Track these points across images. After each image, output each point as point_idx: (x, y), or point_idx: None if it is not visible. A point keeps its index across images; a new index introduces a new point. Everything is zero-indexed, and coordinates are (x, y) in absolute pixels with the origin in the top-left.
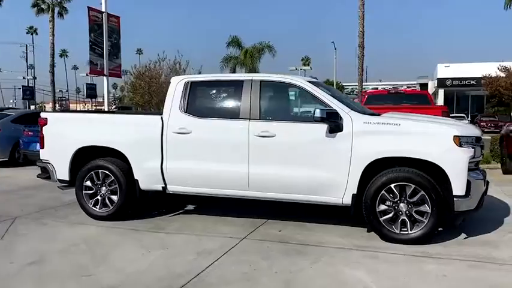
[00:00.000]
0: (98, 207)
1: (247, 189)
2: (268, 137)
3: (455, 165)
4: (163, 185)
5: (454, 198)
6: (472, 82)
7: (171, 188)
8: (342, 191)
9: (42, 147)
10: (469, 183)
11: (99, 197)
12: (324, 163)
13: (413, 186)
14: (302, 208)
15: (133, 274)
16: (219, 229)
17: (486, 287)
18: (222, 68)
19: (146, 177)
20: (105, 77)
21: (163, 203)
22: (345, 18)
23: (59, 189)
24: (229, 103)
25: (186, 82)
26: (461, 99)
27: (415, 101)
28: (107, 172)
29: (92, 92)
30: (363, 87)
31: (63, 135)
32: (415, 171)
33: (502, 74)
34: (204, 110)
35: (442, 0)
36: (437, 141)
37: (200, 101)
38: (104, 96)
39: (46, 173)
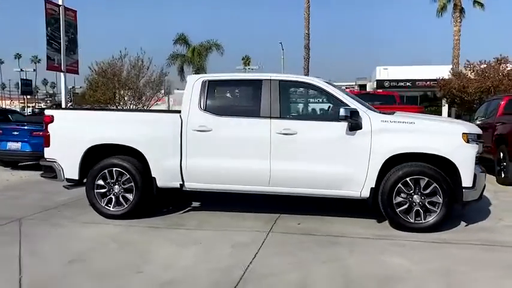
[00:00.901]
0: (111, 205)
1: (267, 185)
2: (290, 134)
3: (464, 159)
4: (181, 182)
5: (463, 190)
6: (407, 84)
7: (189, 185)
8: (360, 185)
9: (47, 145)
10: (475, 176)
11: (112, 196)
12: (344, 159)
13: (426, 179)
14: (308, 202)
15: (185, 269)
16: (239, 224)
17: (506, 266)
18: (168, 65)
19: (164, 175)
20: (62, 73)
21: (165, 201)
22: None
23: (46, 190)
24: (249, 102)
25: (203, 81)
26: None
27: (385, 100)
28: (121, 170)
29: (27, 88)
30: None
31: (73, 133)
32: (428, 166)
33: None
34: (224, 108)
35: (384, 11)
36: (448, 138)
37: (219, 100)
38: (61, 93)
39: (51, 172)
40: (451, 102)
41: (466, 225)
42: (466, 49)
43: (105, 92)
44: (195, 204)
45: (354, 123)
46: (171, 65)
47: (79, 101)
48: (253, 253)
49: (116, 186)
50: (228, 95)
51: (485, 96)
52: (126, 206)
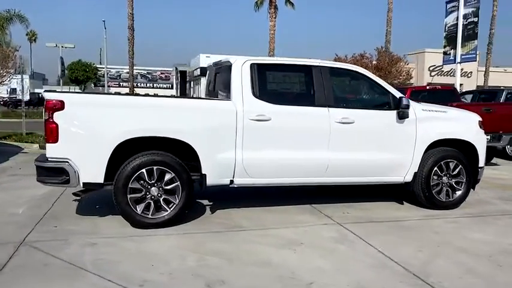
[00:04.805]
0: (149, 212)
1: (323, 176)
2: (348, 123)
3: (481, 143)
4: (232, 178)
5: (479, 169)
6: None
7: (240, 181)
8: (406, 170)
9: (53, 140)
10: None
11: (150, 201)
12: (395, 147)
13: (455, 161)
14: (323, 191)
15: (322, 272)
16: (294, 219)
17: None
18: None
19: (216, 171)
20: None
21: None
22: None
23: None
24: (302, 89)
25: (251, 64)
26: None
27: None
28: (163, 168)
29: None
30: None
31: (98, 123)
32: (455, 150)
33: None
34: (278, 96)
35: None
36: (470, 125)
37: (271, 86)
38: None
39: (60, 175)
40: None
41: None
42: (282, 43)
43: None
44: (205, 202)
45: (406, 111)
46: None
47: None
48: (365, 244)
49: (154, 189)
50: (278, 81)
51: None
52: (169, 211)
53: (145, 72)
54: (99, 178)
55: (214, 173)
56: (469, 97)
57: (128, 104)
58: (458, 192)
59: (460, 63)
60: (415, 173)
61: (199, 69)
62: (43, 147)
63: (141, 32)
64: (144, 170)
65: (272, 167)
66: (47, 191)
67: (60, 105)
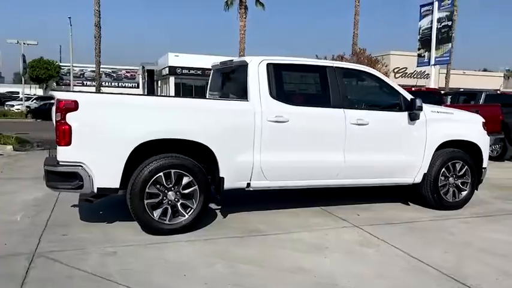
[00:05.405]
0: (166, 218)
1: (338, 178)
2: (362, 125)
3: (485, 144)
4: (249, 181)
5: (483, 170)
6: (198, 72)
7: (257, 184)
8: (416, 171)
9: (66, 143)
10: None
11: (167, 206)
12: (407, 148)
13: (461, 162)
14: (325, 193)
15: (361, 277)
16: (309, 221)
17: None
18: None
19: (234, 174)
20: None
21: None
22: None
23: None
24: (317, 90)
25: (267, 64)
26: (187, 88)
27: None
28: (181, 172)
29: None
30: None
31: (114, 125)
32: (461, 151)
33: None
34: (295, 97)
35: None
36: (475, 126)
37: (287, 87)
38: None
39: (72, 181)
40: None
41: None
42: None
43: None
44: (211, 205)
45: (418, 113)
46: None
47: None
48: (400, 247)
49: (171, 193)
50: (293, 81)
51: None
52: (186, 216)
53: (110, 70)
54: (115, 183)
55: (231, 176)
56: (448, 99)
57: (146, 105)
58: (464, 193)
59: (434, 65)
60: (424, 174)
61: (167, 68)
62: (17, 149)
63: (106, 30)
64: (161, 174)
65: (289, 169)
66: (39, 196)
67: (74, 106)
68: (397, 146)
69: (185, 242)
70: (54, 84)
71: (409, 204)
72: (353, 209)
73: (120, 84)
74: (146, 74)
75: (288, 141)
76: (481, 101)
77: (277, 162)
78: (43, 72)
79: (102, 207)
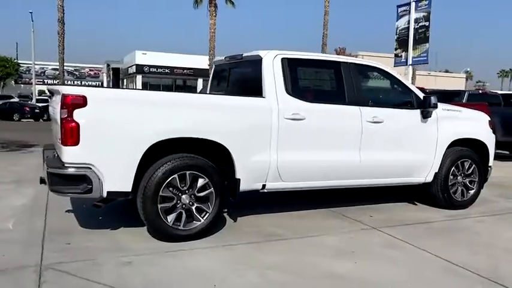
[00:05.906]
0: (180, 223)
1: (354, 178)
2: (378, 122)
3: (491, 143)
4: (264, 183)
5: (489, 168)
6: (166, 70)
7: (273, 185)
8: (428, 170)
9: (73, 143)
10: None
11: (181, 210)
12: (421, 146)
13: (469, 161)
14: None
15: (400, 283)
16: (326, 224)
17: None
18: None
19: (250, 175)
20: None
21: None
22: None
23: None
24: (332, 86)
25: (282, 58)
26: (154, 86)
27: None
28: (196, 173)
29: None
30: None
31: (126, 123)
32: (469, 150)
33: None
34: (311, 93)
35: None
36: (482, 124)
37: (302, 82)
38: None
39: (80, 184)
40: None
41: None
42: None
43: None
44: None
45: (431, 111)
46: None
47: None
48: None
49: (185, 196)
50: (308, 77)
51: None
52: (202, 220)
53: (73, 69)
54: (127, 186)
55: (248, 177)
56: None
57: (161, 101)
58: (471, 191)
59: (411, 65)
60: (435, 173)
61: (134, 67)
62: None
63: (69, 26)
64: (176, 176)
65: (305, 170)
66: (26, 201)
67: (82, 102)
68: (411, 145)
69: (204, 249)
70: (13, 82)
71: (416, 204)
72: (364, 210)
73: (83, 82)
74: (111, 72)
75: (305, 139)
76: (464, 100)
77: (294, 162)
78: (0, 70)
79: (99, 212)
